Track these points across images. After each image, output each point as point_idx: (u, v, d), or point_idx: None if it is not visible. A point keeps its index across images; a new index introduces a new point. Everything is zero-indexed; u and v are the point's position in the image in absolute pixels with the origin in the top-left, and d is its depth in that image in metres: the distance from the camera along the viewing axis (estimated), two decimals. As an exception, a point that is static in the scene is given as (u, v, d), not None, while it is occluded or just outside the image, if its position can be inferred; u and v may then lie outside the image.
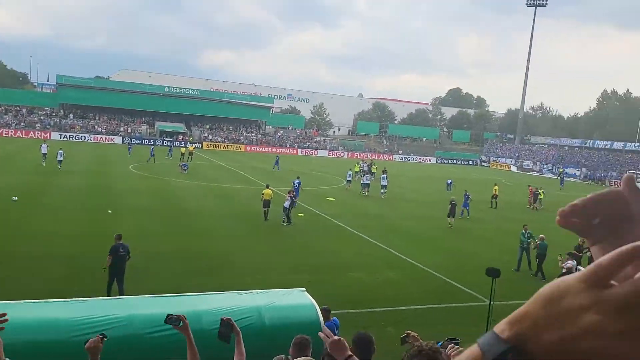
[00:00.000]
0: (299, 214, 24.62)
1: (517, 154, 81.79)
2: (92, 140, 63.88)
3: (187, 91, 78.18)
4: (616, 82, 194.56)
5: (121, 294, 11.61)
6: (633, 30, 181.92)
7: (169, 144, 61.34)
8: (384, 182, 33.67)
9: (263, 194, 23.24)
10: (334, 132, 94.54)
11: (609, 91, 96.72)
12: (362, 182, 34.97)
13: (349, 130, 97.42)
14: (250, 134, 78.57)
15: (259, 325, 7.40)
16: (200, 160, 49.55)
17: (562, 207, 0.74)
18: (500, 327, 0.61)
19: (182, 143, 62.38)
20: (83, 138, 64.07)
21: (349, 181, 36.25)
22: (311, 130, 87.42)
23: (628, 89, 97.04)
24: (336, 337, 3.05)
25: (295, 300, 8.44)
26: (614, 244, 0.68)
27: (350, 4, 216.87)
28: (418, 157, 79.90)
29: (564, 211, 0.74)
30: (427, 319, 12.66)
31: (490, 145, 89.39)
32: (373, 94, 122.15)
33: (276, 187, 28.82)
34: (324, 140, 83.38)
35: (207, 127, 76.63)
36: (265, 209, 22.94)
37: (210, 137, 73.83)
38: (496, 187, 32.66)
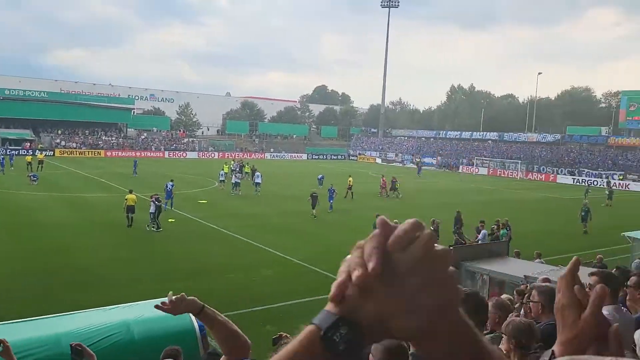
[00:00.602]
0: (169, 220, 23.46)
1: (381, 147, 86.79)
2: None
3: (32, 94, 70.40)
4: (462, 78, 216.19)
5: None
6: (473, 30, 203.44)
7: (9, 152, 53.56)
8: (257, 180, 33.72)
9: (127, 199, 22.04)
10: (202, 133, 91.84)
11: (456, 86, 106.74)
12: (232, 181, 34.43)
13: (218, 130, 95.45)
14: (110, 138, 73.16)
15: (128, 340, 6.81)
16: (53, 169, 44.91)
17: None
18: (331, 305, 0.71)
19: (29, 151, 56.05)
20: None
21: (222, 181, 35.77)
22: (178, 132, 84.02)
23: (472, 84, 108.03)
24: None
25: (166, 310, 7.89)
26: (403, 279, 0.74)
27: (211, 1, 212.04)
28: (289, 154, 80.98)
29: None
30: (306, 312, 12.72)
31: (357, 140, 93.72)
32: (241, 93, 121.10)
33: (142, 192, 27.14)
34: (192, 141, 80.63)
35: (59, 132, 69.79)
36: (129, 215, 21.69)
37: (63, 143, 67.33)
38: (350, 179, 34.18)
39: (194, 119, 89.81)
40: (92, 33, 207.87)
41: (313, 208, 26.43)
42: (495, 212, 26.41)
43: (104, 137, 72.86)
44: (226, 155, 68.93)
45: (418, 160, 66.69)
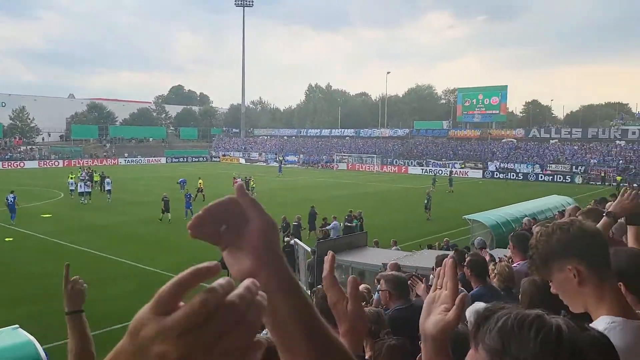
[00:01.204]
0: (6, 239, 20.71)
1: (244, 147, 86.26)
2: None
3: None
4: (319, 77, 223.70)
5: None
6: (325, 31, 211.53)
7: None
8: (108, 187, 32.08)
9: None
10: (43, 139, 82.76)
11: (313, 85, 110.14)
12: (79, 190, 31.66)
13: (62, 136, 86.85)
14: None
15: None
16: None
17: (191, 221, 0.79)
18: None
19: None
20: None
21: (72, 191, 32.76)
22: (13, 139, 74.70)
23: (329, 83, 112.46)
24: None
25: (6, 341, 6.84)
26: (239, 244, 0.82)
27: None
28: (146, 158, 76.59)
29: (192, 224, 0.79)
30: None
31: (219, 140, 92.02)
32: (88, 94, 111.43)
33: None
34: (31, 149, 72.27)
35: None
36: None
37: None
38: (201, 181, 33.50)
39: (32, 124, 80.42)
40: None
41: (165, 212, 25.47)
42: (355, 205, 27.64)
43: None
44: (72, 163, 63.07)
45: (281, 158, 67.59)
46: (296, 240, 17.24)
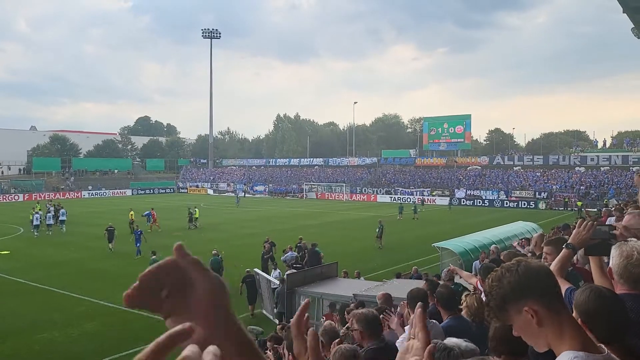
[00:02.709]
0: (-41, 278, 19.66)
1: (212, 177, 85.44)
2: None
3: None
4: (287, 107, 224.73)
5: None
6: (292, 62, 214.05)
7: None
8: (62, 218, 33.79)
9: None
10: (2, 173, 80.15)
11: (282, 115, 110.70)
12: (47, 222, 32.71)
13: (22, 169, 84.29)
14: None
15: None
16: None
17: (128, 291, 0.74)
18: None
19: None
20: None
21: (36, 226, 32.13)
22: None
23: (297, 113, 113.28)
24: None
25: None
26: (184, 311, 0.75)
27: (8, 24, 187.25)
28: (111, 190, 74.81)
29: (129, 294, 0.74)
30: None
31: (186, 171, 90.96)
32: (50, 126, 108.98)
33: None
34: (-10, 183, 69.85)
35: None
36: None
37: None
38: (132, 213, 33.18)
39: (-10, 158, 77.96)
40: None
41: (110, 242, 25.82)
42: (323, 234, 27.45)
43: None
44: (33, 196, 61.12)
45: (245, 188, 66.80)
46: (256, 270, 17.19)
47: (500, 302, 1.52)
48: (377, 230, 27.57)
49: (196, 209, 36.03)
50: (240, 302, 15.09)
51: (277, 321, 13.56)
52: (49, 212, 33.66)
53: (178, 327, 0.58)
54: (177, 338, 0.57)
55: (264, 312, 16.01)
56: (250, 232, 32.56)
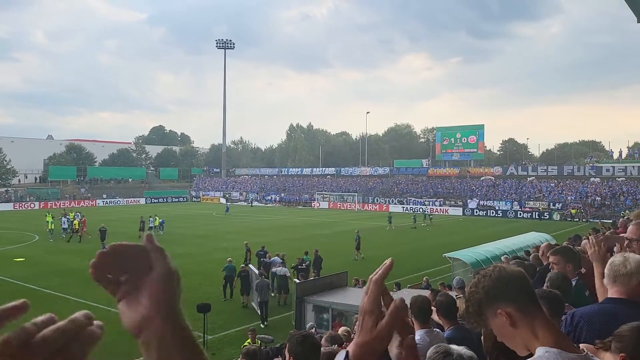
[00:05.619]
0: (-25, 284, 19.95)
1: (225, 187, 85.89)
2: None
3: None
4: (300, 117, 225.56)
5: None
6: (305, 71, 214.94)
7: None
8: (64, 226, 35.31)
9: None
10: (19, 181, 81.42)
11: (295, 125, 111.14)
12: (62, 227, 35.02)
13: (39, 177, 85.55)
14: None
15: None
16: None
17: (94, 259, 0.78)
18: None
19: None
20: None
21: (64, 229, 34.80)
22: (-11, 181, 73.33)
23: (310, 122, 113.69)
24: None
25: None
26: (137, 293, 0.78)
27: (26, 35, 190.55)
28: (125, 199, 75.60)
29: (95, 263, 0.77)
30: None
31: (199, 180, 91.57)
32: (66, 135, 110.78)
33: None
34: (6, 191, 70.94)
35: None
36: None
37: None
38: (76, 222, 34.44)
39: (9, 166, 79.17)
40: None
41: (102, 241, 28.35)
42: (333, 243, 27.34)
43: None
44: (49, 204, 61.92)
45: (250, 197, 66.91)
46: (250, 266, 19.33)
47: (477, 307, 1.59)
48: (355, 241, 26.66)
49: (156, 217, 36.70)
50: (235, 293, 18.43)
51: (259, 312, 16.09)
52: (68, 218, 35.88)
53: (10, 303, 0.57)
54: (9, 312, 0.57)
55: (252, 303, 17.56)
56: (261, 241, 32.64)
